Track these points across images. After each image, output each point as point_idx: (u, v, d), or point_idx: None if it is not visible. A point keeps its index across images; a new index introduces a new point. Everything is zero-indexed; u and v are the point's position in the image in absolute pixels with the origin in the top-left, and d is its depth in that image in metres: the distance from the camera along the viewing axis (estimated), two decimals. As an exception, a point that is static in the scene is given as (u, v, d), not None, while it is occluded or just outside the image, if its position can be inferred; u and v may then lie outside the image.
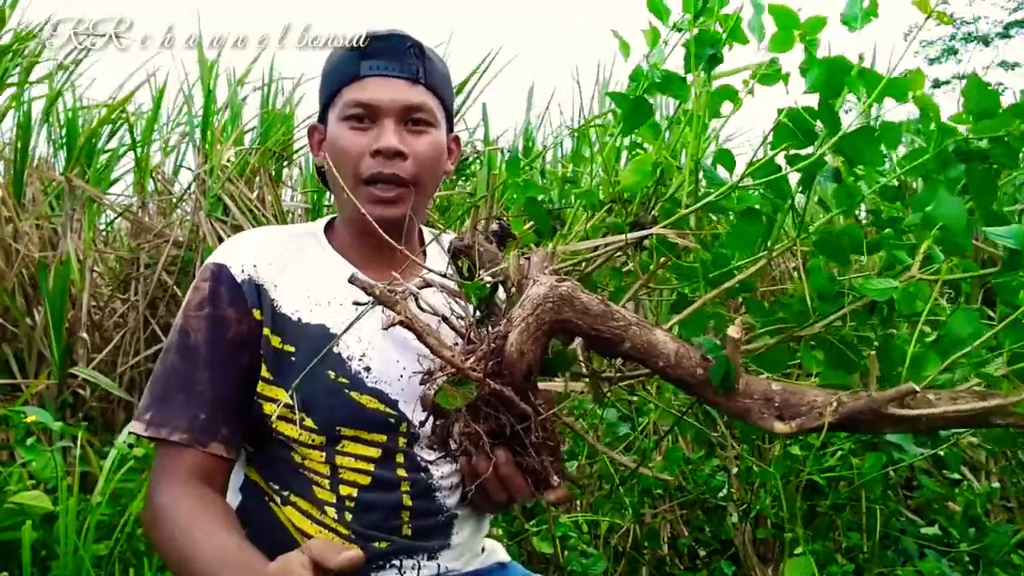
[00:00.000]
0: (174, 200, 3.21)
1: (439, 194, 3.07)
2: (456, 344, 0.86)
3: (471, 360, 0.78)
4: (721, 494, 2.14)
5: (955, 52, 16.83)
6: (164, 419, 0.99)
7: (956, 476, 2.25)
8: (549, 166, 3.60)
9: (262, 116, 3.28)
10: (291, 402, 0.99)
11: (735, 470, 2.14)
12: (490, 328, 0.83)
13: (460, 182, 3.29)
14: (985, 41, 16.77)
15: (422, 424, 0.90)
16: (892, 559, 2.05)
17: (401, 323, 0.79)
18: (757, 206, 0.81)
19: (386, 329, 0.81)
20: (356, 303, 0.88)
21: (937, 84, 15.56)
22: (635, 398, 2.01)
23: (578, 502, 2.24)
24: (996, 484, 2.27)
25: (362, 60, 1.07)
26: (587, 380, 0.92)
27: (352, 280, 0.86)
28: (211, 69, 3.16)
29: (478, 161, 3.37)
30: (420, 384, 0.84)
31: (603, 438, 2.11)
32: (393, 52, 1.07)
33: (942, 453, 2.02)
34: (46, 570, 1.76)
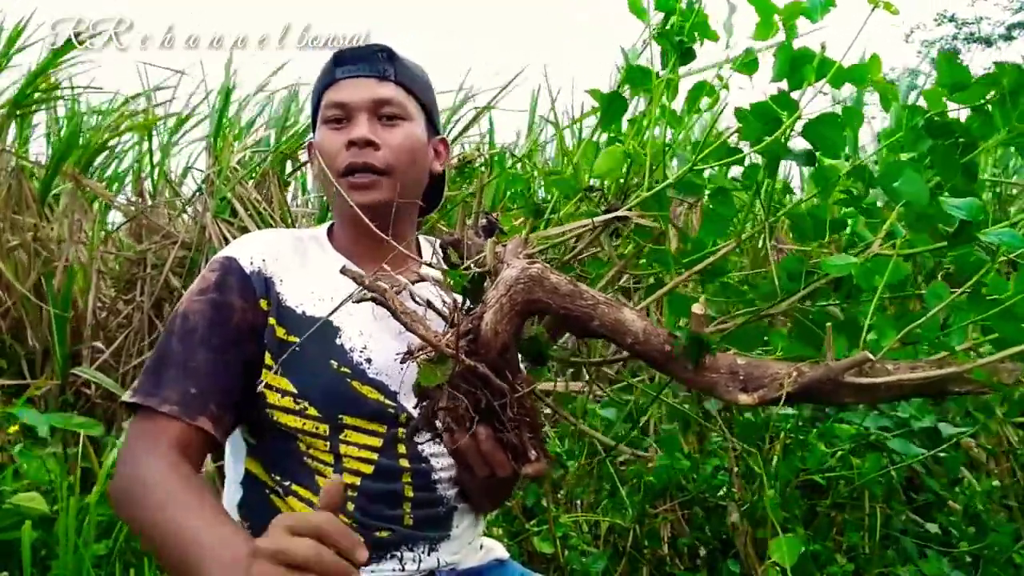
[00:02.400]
0: (182, 202, 3.22)
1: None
2: (446, 330, 0.88)
3: (446, 338, 0.81)
4: (721, 493, 2.14)
5: (956, 53, 16.81)
6: (155, 390, 0.98)
7: (958, 476, 2.25)
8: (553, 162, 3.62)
9: (277, 120, 3.31)
10: (292, 390, 1.02)
11: (736, 470, 2.14)
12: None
13: (464, 184, 3.30)
14: (987, 42, 16.75)
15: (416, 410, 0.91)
16: (892, 559, 2.05)
17: (373, 299, 0.82)
18: (727, 186, 0.85)
19: (357, 303, 0.83)
20: (350, 298, 0.89)
21: (939, 83, 15.53)
22: (630, 397, 2.02)
23: (579, 501, 2.24)
24: (996, 483, 2.27)
25: (336, 67, 1.16)
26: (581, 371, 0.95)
27: (343, 270, 0.88)
28: (230, 72, 3.19)
29: (482, 166, 3.38)
30: (400, 363, 0.86)
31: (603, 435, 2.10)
32: (363, 56, 1.16)
33: (943, 455, 2.03)
34: (46, 570, 1.76)
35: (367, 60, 1.15)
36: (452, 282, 0.87)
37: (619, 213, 0.86)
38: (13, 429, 1.89)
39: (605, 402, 2.10)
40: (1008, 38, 16.52)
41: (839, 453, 2.04)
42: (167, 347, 1.02)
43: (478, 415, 0.83)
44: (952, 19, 16.93)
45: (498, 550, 1.19)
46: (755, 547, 2.05)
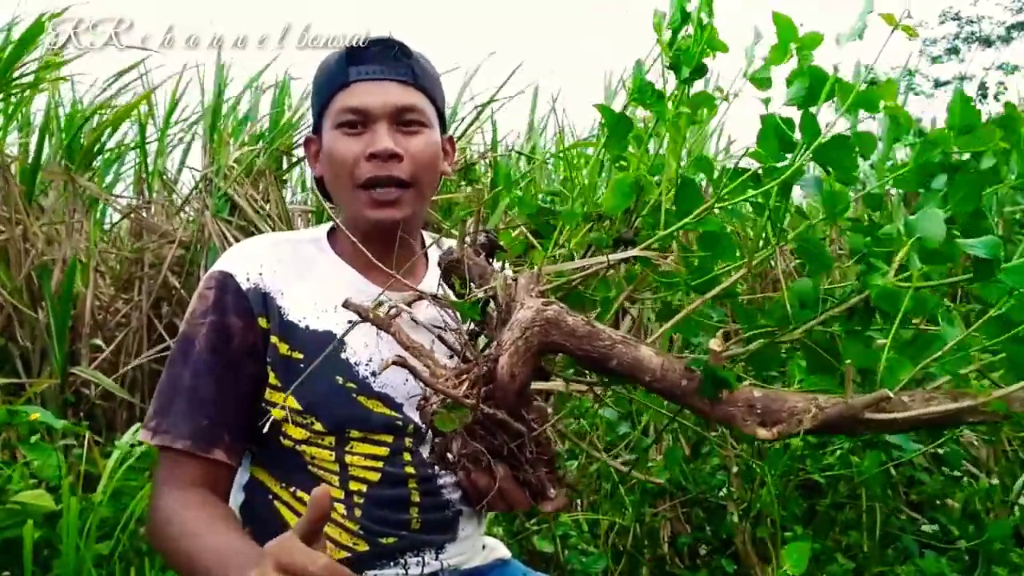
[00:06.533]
0: (179, 200, 3.22)
1: (444, 196, 3.08)
2: (452, 358, 0.88)
3: (464, 386, 0.81)
4: (721, 493, 2.15)
5: (957, 52, 16.81)
6: (168, 427, 1.00)
7: (957, 473, 2.25)
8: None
9: (272, 117, 3.30)
10: (297, 407, 1.01)
11: (735, 469, 2.14)
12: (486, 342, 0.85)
13: (464, 184, 3.29)
14: (987, 42, 16.74)
15: (425, 431, 0.92)
16: (892, 557, 2.05)
17: (395, 363, 0.82)
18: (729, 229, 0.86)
19: (381, 372, 0.83)
20: (350, 322, 0.89)
21: (938, 84, 15.54)
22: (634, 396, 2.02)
23: (578, 501, 2.24)
24: (995, 481, 2.27)
25: (350, 67, 1.08)
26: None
27: (346, 305, 0.88)
28: (222, 70, 3.19)
29: (482, 166, 3.39)
30: (416, 409, 0.86)
31: (603, 437, 2.11)
32: (379, 56, 1.09)
33: (942, 452, 2.03)
34: (48, 569, 1.76)
35: (385, 61, 1.08)
36: (462, 312, 0.88)
37: (636, 252, 0.86)
38: (33, 417, 1.89)
39: (605, 404, 2.10)
40: (1008, 38, 16.52)
41: (838, 452, 2.04)
42: (175, 376, 1.02)
43: (495, 456, 0.83)
44: (956, 17, 16.88)
45: (500, 549, 1.19)
46: (754, 546, 2.05)
